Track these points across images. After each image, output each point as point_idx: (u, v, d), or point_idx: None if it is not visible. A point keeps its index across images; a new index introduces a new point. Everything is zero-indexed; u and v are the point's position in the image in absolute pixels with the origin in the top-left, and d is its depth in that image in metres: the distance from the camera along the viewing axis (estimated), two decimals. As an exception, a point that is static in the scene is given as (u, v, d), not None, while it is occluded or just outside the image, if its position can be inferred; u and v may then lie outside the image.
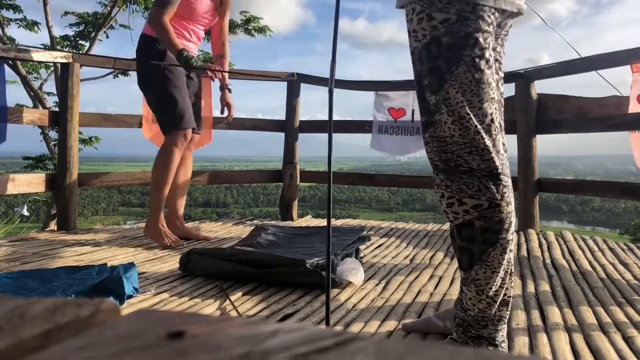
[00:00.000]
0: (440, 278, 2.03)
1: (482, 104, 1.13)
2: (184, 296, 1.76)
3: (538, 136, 3.29)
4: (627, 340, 1.38)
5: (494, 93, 1.15)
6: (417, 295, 1.80)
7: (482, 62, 1.12)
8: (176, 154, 2.57)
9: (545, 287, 1.89)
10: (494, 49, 1.25)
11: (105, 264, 2.10)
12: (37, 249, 2.47)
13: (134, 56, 2.70)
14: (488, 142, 1.13)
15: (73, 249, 2.47)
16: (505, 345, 1.24)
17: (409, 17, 1.18)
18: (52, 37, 7.99)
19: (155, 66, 2.55)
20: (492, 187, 1.14)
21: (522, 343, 1.36)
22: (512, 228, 1.16)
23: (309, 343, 0.22)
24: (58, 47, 8.08)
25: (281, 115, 3.93)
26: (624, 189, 3.04)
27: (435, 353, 0.22)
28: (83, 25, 8.50)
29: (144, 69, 2.61)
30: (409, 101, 3.57)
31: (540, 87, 3.37)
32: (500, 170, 1.14)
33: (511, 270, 1.20)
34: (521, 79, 3.26)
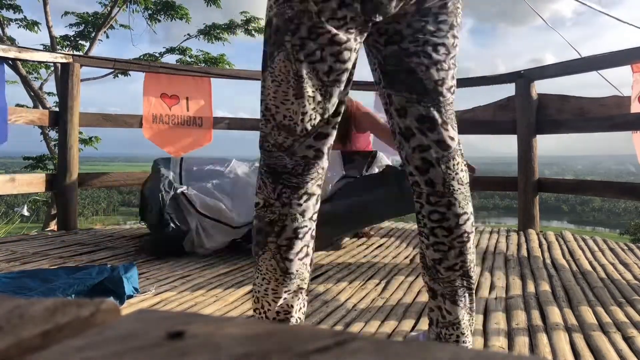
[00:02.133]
0: (440, 278, 2.03)
1: (296, 99, 1.00)
2: (184, 296, 1.76)
3: (538, 136, 3.29)
4: (627, 340, 1.38)
5: (312, 91, 1.00)
6: (417, 295, 1.80)
7: (302, 54, 0.98)
8: None
9: (545, 287, 1.89)
10: (419, 30, 1.06)
11: (106, 264, 2.10)
12: (37, 249, 2.47)
13: (135, 56, 2.67)
14: (283, 140, 1.03)
15: (73, 249, 2.48)
16: None
17: None
18: (52, 37, 7.99)
19: None
20: (270, 185, 1.05)
21: (522, 343, 1.36)
22: (288, 233, 1.04)
23: (309, 343, 0.22)
24: (58, 47, 8.09)
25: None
26: (624, 189, 3.04)
27: (435, 353, 0.22)
28: (83, 25, 8.50)
29: None
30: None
31: (540, 87, 3.38)
32: (285, 170, 1.04)
33: (299, 287, 1.07)
34: (521, 79, 3.26)
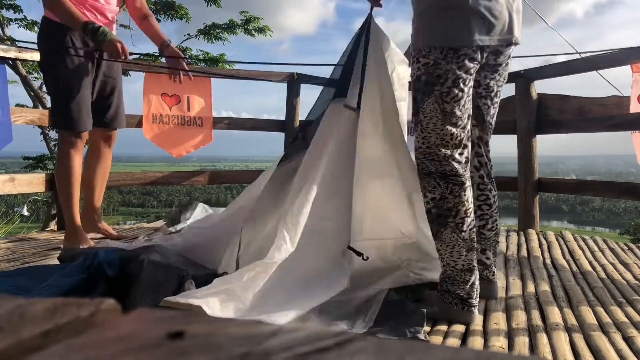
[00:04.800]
0: (440, 278, 2.03)
1: (444, 125, 1.48)
2: (184, 296, 1.75)
3: (538, 136, 3.29)
4: (627, 340, 1.38)
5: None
6: (417, 295, 1.79)
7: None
8: (75, 158, 2.38)
9: (545, 287, 1.89)
10: (491, 81, 1.65)
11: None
12: (37, 249, 2.47)
13: (135, 56, 2.65)
14: (446, 151, 1.48)
15: (73, 249, 2.47)
16: (474, 308, 1.51)
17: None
18: (52, 37, 7.98)
19: (55, 53, 2.27)
20: (443, 185, 1.47)
21: (522, 343, 1.35)
22: (461, 215, 1.47)
23: (309, 343, 0.22)
24: (58, 47, 8.07)
25: (282, 116, 3.93)
26: (624, 189, 3.04)
27: (435, 353, 0.22)
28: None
29: (45, 56, 2.37)
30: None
31: (541, 87, 3.38)
32: (453, 173, 1.47)
33: (473, 246, 1.50)
34: (521, 78, 3.26)
